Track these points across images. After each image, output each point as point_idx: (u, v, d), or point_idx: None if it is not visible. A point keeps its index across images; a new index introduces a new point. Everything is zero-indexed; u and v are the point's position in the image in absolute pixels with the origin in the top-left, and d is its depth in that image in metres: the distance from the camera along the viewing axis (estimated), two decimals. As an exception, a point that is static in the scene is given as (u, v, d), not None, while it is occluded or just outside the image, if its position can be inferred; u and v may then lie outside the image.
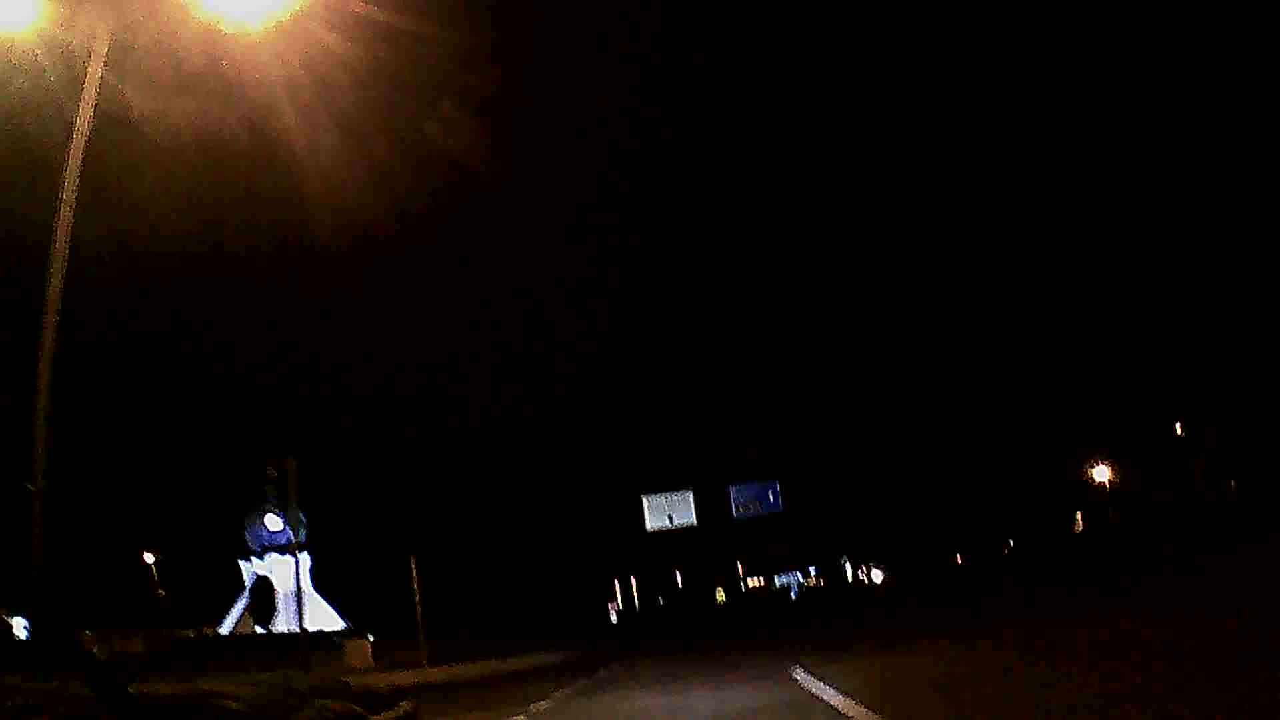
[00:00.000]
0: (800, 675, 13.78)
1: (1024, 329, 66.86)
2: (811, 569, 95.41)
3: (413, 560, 33.06)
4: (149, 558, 53.28)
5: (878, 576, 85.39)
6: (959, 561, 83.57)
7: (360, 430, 59.20)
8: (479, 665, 30.22)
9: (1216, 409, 54.21)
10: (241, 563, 59.53)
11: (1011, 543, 76.68)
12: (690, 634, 40.52)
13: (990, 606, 29.17)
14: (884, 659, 15.85)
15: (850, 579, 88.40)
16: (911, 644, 17.73)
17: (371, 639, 35.01)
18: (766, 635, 32.64)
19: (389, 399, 61.49)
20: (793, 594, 75.43)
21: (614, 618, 76.54)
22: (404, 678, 27.04)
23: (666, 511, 66.59)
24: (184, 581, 54.67)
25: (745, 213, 77.22)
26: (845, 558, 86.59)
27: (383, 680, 27.46)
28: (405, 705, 13.62)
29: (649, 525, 65.63)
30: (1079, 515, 77.28)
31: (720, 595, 68.89)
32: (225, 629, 58.04)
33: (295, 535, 58.52)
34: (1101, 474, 64.59)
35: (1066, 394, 64.00)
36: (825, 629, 33.21)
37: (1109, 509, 64.09)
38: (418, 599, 32.90)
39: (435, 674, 28.53)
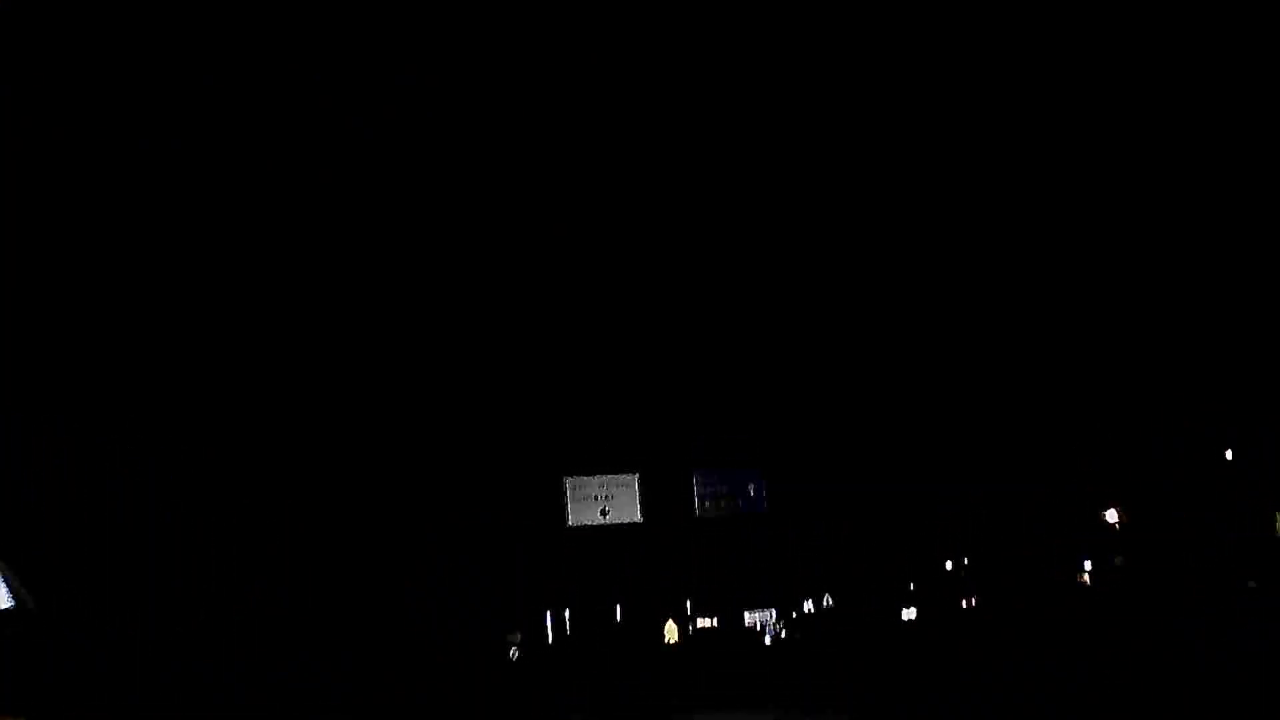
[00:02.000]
0: None
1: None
2: (771, 611, 76.12)
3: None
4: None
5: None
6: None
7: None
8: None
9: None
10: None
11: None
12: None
13: None
14: None
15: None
16: None
17: None
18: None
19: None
20: (768, 637, 55.15)
21: (514, 653, 55.19)
22: None
23: (599, 502, 47.34)
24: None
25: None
26: (826, 594, 66.78)
27: None
28: None
29: (571, 519, 46.42)
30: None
31: (672, 632, 48.70)
32: None
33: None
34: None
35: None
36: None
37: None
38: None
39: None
